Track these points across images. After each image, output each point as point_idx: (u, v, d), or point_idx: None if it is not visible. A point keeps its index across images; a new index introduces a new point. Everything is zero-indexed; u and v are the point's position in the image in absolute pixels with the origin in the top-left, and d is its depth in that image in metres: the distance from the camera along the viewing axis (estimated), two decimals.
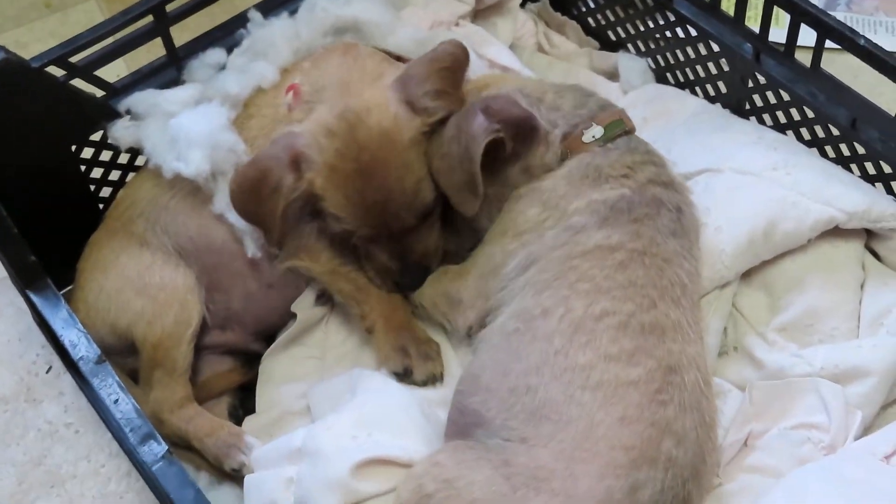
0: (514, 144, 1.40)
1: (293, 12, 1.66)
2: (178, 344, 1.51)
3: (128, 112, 1.59)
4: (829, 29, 1.48)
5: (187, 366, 1.52)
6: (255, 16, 1.65)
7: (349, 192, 1.40)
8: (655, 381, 1.24)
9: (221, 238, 1.56)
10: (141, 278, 1.53)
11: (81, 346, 1.35)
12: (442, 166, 1.41)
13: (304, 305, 1.58)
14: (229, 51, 1.64)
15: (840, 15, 2.10)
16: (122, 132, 1.58)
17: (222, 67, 1.62)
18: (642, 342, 1.27)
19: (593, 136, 1.42)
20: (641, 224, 1.35)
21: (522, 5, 1.96)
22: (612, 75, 1.87)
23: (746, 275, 1.50)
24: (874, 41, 1.66)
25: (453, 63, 1.44)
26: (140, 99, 1.58)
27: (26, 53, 2.10)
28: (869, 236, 1.51)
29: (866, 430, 1.38)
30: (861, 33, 1.47)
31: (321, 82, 1.49)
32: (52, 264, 1.48)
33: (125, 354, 1.54)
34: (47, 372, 1.67)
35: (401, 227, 1.44)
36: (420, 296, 1.50)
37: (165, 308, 1.51)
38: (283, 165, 1.40)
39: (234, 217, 1.51)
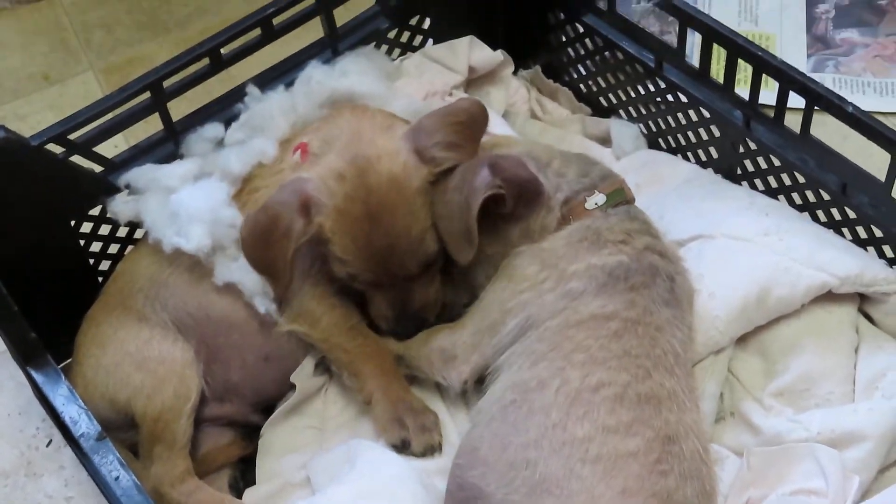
0: (517, 205, 1.43)
1: (289, 84, 1.69)
2: (178, 417, 1.51)
3: (127, 187, 1.60)
4: (817, 96, 1.50)
5: (187, 440, 1.52)
6: (252, 90, 1.67)
7: (356, 235, 1.42)
8: (654, 452, 1.25)
9: (220, 311, 1.56)
10: (139, 353, 1.53)
11: (82, 423, 1.35)
12: (443, 213, 1.43)
13: (303, 376, 1.59)
14: (227, 124, 1.65)
15: (828, 76, 2.12)
16: (121, 207, 1.59)
17: (220, 142, 1.63)
18: (639, 413, 1.27)
19: (596, 203, 1.45)
20: (637, 293, 1.37)
21: (515, 73, 1.99)
22: (605, 140, 1.89)
23: (742, 339, 1.51)
24: (863, 102, 1.68)
25: (468, 119, 1.47)
26: (139, 174, 1.60)
27: (25, 125, 2.15)
28: (862, 300, 1.52)
29: (864, 494, 1.37)
30: (848, 100, 1.49)
31: (330, 136, 1.51)
32: (52, 338, 1.49)
33: (125, 429, 1.54)
34: (48, 446, 1.67)
35: (403, 275, 1.46)
36: (415, 353, 1.50)
37: (164, 382, 1.51)
38: (293, 209, 1.42)
39: (240, 277, 1.52)
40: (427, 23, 1.91)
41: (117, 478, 1.30)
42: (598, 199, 1.46)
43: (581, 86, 1.96)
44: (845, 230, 1.59)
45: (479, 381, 1.44)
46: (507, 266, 1.45)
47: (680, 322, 1.39)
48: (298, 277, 1.52)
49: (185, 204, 1.54)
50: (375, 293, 1.50)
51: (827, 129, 1.54)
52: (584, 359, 1.31)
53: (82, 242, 1.67)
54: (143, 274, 1.59)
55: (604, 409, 1.27)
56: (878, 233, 1.55)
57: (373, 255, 1.43)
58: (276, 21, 1.66)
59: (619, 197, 1.47)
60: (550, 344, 1.34)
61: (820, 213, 1.62)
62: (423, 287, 1.50)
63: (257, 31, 1.66)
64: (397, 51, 1.89)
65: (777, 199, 1.65)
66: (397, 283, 1.47)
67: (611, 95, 1.90)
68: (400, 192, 1.42)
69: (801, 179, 1.61)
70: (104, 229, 1.67)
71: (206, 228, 1.52)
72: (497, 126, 1.79)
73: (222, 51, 1.64)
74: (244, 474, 1.62)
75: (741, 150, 1.69)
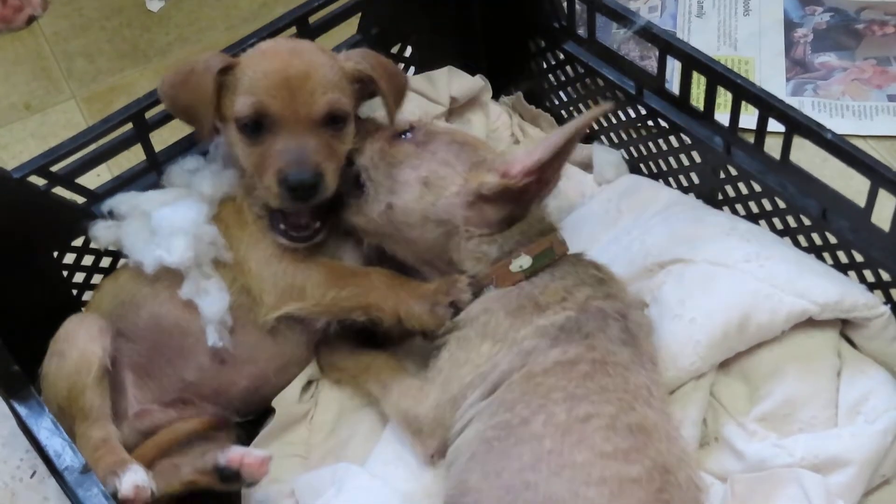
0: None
1: None
2: (83, 390, 1.48)
3: (109, 213, 1.60)
4: (796, 124, 1.51)
5: (98, 410, 1.49)
6: None
7: (273, 64, 1.47)
8: (656, 481, 1.25)
9: (173, 319, 1.56)
10: (54, 341, 1.53)
11: (66, 456, 1.34)
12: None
13: (285, 401, 1.59)
14: (207, 154, 1.66)
15: (808, 100, 2.14)
16: (102, 232, 1.59)
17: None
18: (633, 442, 1.28)
19: (521, 266, 1.44)
20: (593, 338, 1.37)
21: (497, 98, 2.00)
22: (587, 166, 1.89)
23: (724, 364, 1.51)
24: (842, 125, 1.68)
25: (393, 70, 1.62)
26: (121, 200, 1.60)
27: (6, 154, 2.15)
28: (844, 324, 1.53)
29: None
30: (828, 123, 1.50)
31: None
32: (35, 370, 1.49)
33: None
34: (31, 477, 1.66)
35: (308, 117, 1.46)
36: (385, 405, 1.51)
37: (67, 358, 1.50)
38: (213, 56, 1.50)
39: (203, 303, 1.52)
40: (409, 51, 1.92)
41: None
42: (524, 261, 1.45)
43: (563, 112, 1.97)
44: (826, 255, 1.60)
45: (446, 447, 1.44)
46: (457, 342, 1.44)
47: (641, 359, 1.39)
48: (258, 262, 1.53)
49: (166, 219, 1.55)
50: (275, 140, 1.46)
51: (807, 152, 1.55)
52: (564, 396, 1.31)
53: (65, 273, 1.67)
54: (107, 296, 1.61)
55: (598, 437, 1.27)
56: (858, 257, 1.56)
57: (284, 81, 1.45)
58: None
59: (547, 258, 1.46)
60: (522, 391, 1.34)
61: (801, 238, 1.63)
62: (326, 143, 1.48)
63: None
64: None
65: (758, 224, 1.66)
66: (300, 129, 1.46)
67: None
68: (322, 58, 1.50)
69: (782, 205, 1.62)
70: (87, 260, 1.67)
71: (189, 241, 1.52)
72: None
73: None
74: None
75: (722, 175, 1.70)
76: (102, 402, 1.50)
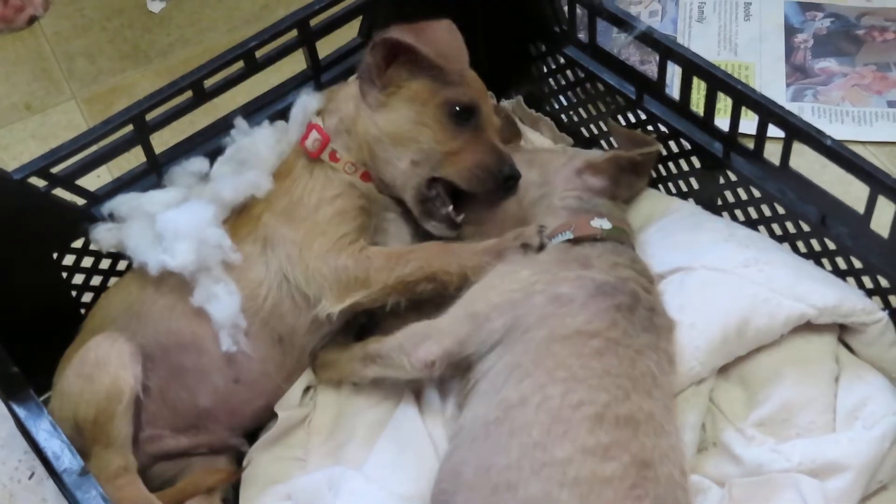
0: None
1: (272, 116, 1.71)
2: (112, 418, 1.49)
3: (110, 215, 1.61)
4: (796, 130, 1.51)
5: (123, 438, 1.51)
6: (240, 123, 1.68)
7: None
8: (630, 477, 1.26)
9: (189, 335, 1.56)
10: (81, 363, 1.53)
11: (65, 458, 1.35)
12: None
13: (287, 405, 1.59)
14: (210, 154, 1.67)
15: (807, 105, 2.14)
16: (103, 234, 1.60)
17: (204, 176, 1.64)
18: (617, 436, 1.28)
19: (600, 226, 1.50)
20: (620, 313, 1.39)
21: (497, 101, 2.00)
22: None
23: (723, 369, 1.51)
24: (842, 130, 1.67)
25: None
26: (121, 202, 1.60)
27: (7, 155, 2.15)
28: (842, 330, 1.53)
29: None
30: (827, 129, 1.50)
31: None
32: (34, 371, 1.48)
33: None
34: (30, 478, 1.67)
35: (495, 126, 1.66)
36: (388, 343, 1.50)
37: (98, 385, 1.50)
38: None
39: (213, 308, 1.52)
40: None
41: None
42: (604, 223, 1.50)
43: (563, 116, 1.97)
44: (825, 261, 1.60)
45: (446, 371, 1.45)
46: (497, 269, 1.47)
47: (656, 348, 1.41)
48: (316, 259, 1.53)
49: (171, 222, 1.54)
50: (481, 134, 1.60)
51: (806, 158, 1.55)
52: (566, 376, 1.32)
53: (65, 275, 1.67)
54: (118, 307, 1.60)
55: (584, 429, 1.28)
56: (857, 263, 1.56)
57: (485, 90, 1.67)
58: (258, 54, 1.67)
59: (620, 234, 1.51)
60: (534, 358, 1.35)
61: (800, 244, 1.63)
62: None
63: (240, 64, 1.67)
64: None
65: (757, 229, 1.66)
66: (494, 133, 1.63)
67: (592, 126, 1.91)
68: None
69: (781, 210, 1.63)
70: (87, 261, 1.67)
71: (192, 245, 1.52)
72: None
73: (205, 83, 1.65)
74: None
75: (721, 181, 1.70)
76: (129, 430, 1.52)
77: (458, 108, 1.57)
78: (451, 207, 1.60)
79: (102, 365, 1.51)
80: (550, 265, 1.45)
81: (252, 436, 1.63)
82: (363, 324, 1.64)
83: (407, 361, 1.46)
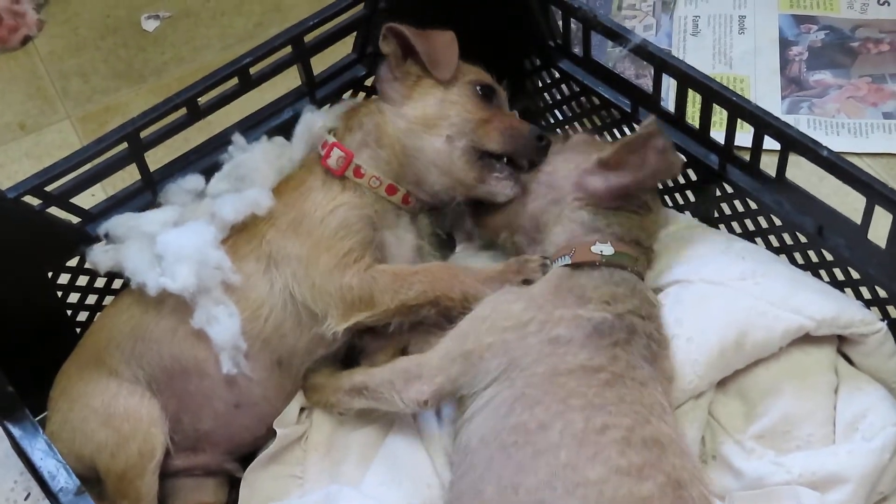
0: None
1: (269, 132, 1.71)
2: (142, 475, 1.50)
3: (105, 236, 1.60)
4: (792, 141, 1.51)
5: (152, 496, 1.51)
6: (238, 139, 1.67)
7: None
8: (668, 497, 1.25)
9: (192, 359, 1.55)
10: (105, 409, 1.52)
11: (60, 478, 1.34)
12: None
13: (286, 422, 1.58)
14: (205, 171, 1.66)
15: (803, 117, 2.14)
16: (100, 256, 1.58)
17: (200, 193, 1.63)
18: (648, 456, 1.28)
19: (601, 251, 1.47)
20: (620, 348, 1.38)
21: None
22: None
23: (721, 383, 1.51)
24: (837, 142, 1.67)
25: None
26: (117, 223, 1.59)
27: (1, 174, 2.15)
28: (841, 341, 1.52)
29: None
30: (823, 141, 1.50)
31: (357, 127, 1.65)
32: (29, 390, 1.47)
33: (94, 483, 1.52)
34: (26, 499, 1.66)
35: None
36: (378, 377, 1.49)
37: (129, 440, 1.50)
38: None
39: (213, 331, 1.51)
40: None
41: None
42: (606, 248, 1.48)
43: (558, 130, 1.97)
44: (822, 272, 1.59)
45: (435, 406, 1.45)
46: (490, 300, 1.46)
47: (661, 379, 1.41)
48: (322, 276, 1.53)
49: (171, 244, 1.54)
50: (501, 108, 1.70)
51: (803, 169, 1.55)
52: (583, 403, 1.31)
53: (59, 294, 1.66)
54: (121, 329, 1.58)
55: (614, 451, 1.27)
56: (854, 274, 1.55)
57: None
58: (252, 70, 1.67)
59: (625, 260, 1.48)
60: (542, 389, 1.34)
61: (797, 256, 1.62)
62: None
63: (234, 81, 1.67)
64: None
65: (754, 241, 1.66)
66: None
67: None
68: None
69: (778, 222, 1.62)
70: (82, 280, 1.67)
71: (193, 268, 1.51)
72: None
73: (199, 100, 1.64)
74: None
75: (718, 193, 1.70)
76: (157, 488, 1.52)
77: (480, 88, 1.66)
78: (505, 160, 1.64)
79: (133, 420, 1.51)
80: (545, 298, 1.43)
81: (247, 459, 1.62)
82: (350, 344, 1.63)
83: (398, 399, 1.46)
